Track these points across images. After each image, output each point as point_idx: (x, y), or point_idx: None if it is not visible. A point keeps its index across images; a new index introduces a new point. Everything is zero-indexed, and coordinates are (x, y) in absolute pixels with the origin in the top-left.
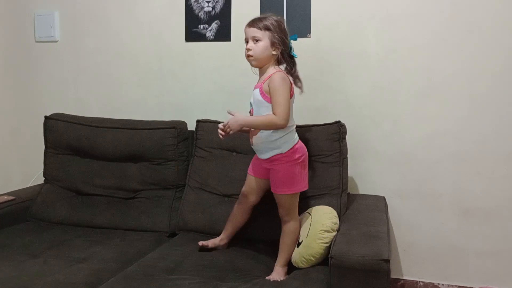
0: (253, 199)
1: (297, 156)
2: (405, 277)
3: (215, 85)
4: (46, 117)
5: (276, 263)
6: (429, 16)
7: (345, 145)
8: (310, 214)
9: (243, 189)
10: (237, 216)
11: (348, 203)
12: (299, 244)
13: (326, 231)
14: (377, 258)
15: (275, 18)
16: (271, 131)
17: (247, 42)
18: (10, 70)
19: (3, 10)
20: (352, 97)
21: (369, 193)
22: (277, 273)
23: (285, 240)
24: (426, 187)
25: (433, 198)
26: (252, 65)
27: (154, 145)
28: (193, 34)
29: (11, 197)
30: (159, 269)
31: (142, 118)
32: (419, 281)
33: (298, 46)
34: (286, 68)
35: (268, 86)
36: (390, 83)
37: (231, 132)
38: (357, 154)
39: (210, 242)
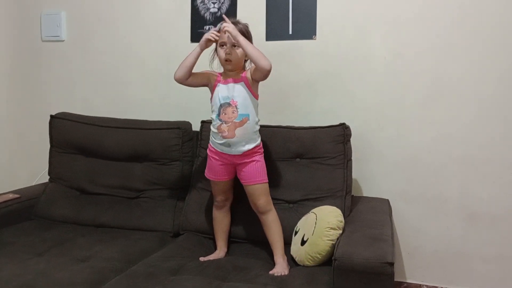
0: (230, 199)
1: (263, 149)
2: (408, 281)
3: None
4: (51, 116)
5: (275, 257)
6: (436, 20)
7: (350, 147)
8: (315, 213)
9: (218, 198)
10: (223, 221)
11: (352, 205)
12: (304, 242)
13: (332, 228)
14: (381, 261)
15: (244, 23)
16: (255, 123)
17: (222, 45)
18: (17, 69)
19: (10, 9)
20: (358, 100)
21: (373, 196)
22: (281, 266)
23: (273, 230)
24: (432, 191)
25: (438, 202)
26: (226, 69)
27: (159, 145)
28: (198, 35)
29: (16, 195)
30: (162, 269)
31: (148, 118)
32: (423, 285)
33: (303, 48)
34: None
35: (251, 74)
36: (396, 87)
37: (227, 30)
38: (362, 157)
39: (211, 258)
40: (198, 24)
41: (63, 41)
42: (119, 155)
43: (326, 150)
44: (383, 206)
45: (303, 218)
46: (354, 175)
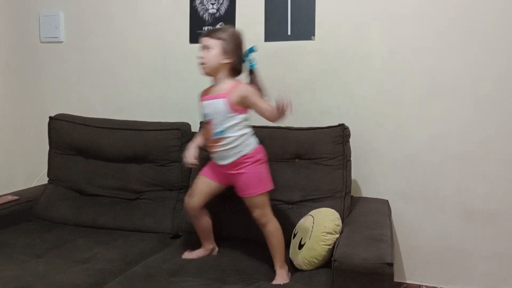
0: (197, 201)
1: (260, 156)
2: (408, 281)
3: None
4: (50, 118)
5: (275, 267)
6: (434, 18)
7: (349, 148)
8: (312, 216)
9: (190, 191)
10: (201, 219)
11: (352, 206)
12: (301, 246)
13: (328, 233)
14: (380, 261)
15: (232, 30)
16: (236, 137)
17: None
18: (15, 71)
19: (9, 10)
20: (356, 99)
21: (372, 196)
22: (281, 277)
23: (272, 243)
24: (430, 189)
25: (436, 200)
26: (203, 73)
27: (158, 146)
28: (197, 35)
29: (15, 197)
30: (162, 270)
31: (146, 119)
32: (422, 285)
33: (302, 48)
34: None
35: (242, 98)
36: (394, 85)
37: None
38: (360, 156)
39: (195, 255)
40: (197, 25)
41: (62, 42)
42: (118, 156)
43: (325, 151)
44: (382, 207)
45: (302, 220)
46: (353, 175)
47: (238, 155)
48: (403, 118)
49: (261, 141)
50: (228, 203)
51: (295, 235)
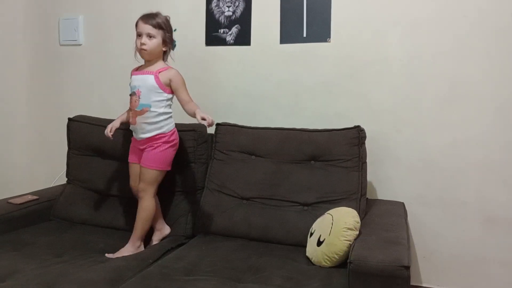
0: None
1: (173, 138)
2: (424, 285)
3: (235, 89)
4: (69, 119)
5: (131, 237)
6: (453, 22)
7: (365, 150)
8: (331, 214)
9: (130, 182)
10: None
11: (367, 208)
12: (320, 243)
13: (349, 228)
14: (397, 264)
15: (164, 16)
16: (159, 114)
17: (139, 36)
18: (35, 73)
19: (29, 14)
20: (374, 102)
21: (388, 199)
22: (126, 249)
23: (139, 216)
24: (449, 194)
25: (455, 206)
26: (143, 57)
27: None
28: (213, 38)
29: (35, 197)
30: (176, 270)
31: None
32: None
33: (318, 50)
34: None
35: (170, 81)
36: (413, 89)
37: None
38: (377, 159)
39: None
40: (213, 28)
41: (81, 45)
42: None
43: (341, 153)
44: (398, 209)
45: (319, 219)
46: (369, 178)
47: (155, 132)
48: (422, 123)
49: (277, 143)
50: (244, 206)
51: (311, 234)
